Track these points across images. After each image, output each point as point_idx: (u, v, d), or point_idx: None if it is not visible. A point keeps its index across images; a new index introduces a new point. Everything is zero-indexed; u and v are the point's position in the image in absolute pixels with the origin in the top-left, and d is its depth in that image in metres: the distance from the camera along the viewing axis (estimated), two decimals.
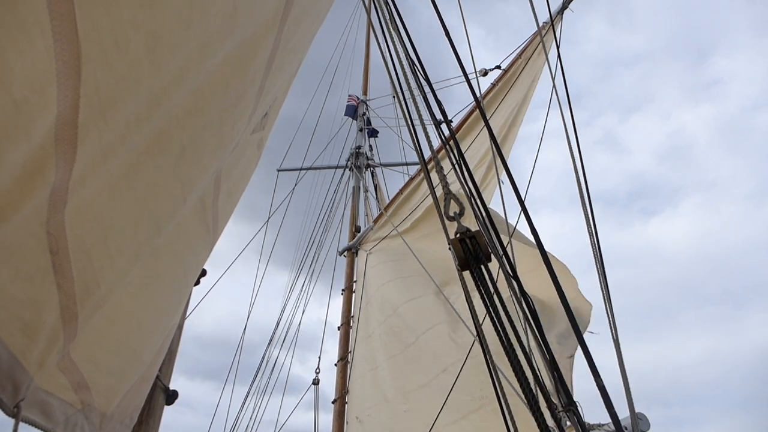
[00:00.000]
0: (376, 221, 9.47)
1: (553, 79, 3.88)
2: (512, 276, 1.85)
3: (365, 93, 13.50)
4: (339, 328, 8.75)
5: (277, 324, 9.64)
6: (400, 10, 2.96)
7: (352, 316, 8.54)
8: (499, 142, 7.48)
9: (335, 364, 8.30)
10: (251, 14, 0.98)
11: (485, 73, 7.84)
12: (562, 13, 6.29)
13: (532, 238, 2.09)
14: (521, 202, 2.03)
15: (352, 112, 13.15)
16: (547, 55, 4.13)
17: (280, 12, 1.09)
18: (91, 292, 1.00)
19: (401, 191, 9.05)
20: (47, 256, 0.85)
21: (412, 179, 9.07)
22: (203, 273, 2.13)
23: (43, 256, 0.84)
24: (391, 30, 3.00)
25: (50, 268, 0.87)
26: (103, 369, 1.26)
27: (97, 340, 1.16)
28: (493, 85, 8.13)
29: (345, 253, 9.59)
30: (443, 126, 2.70)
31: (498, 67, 8.16)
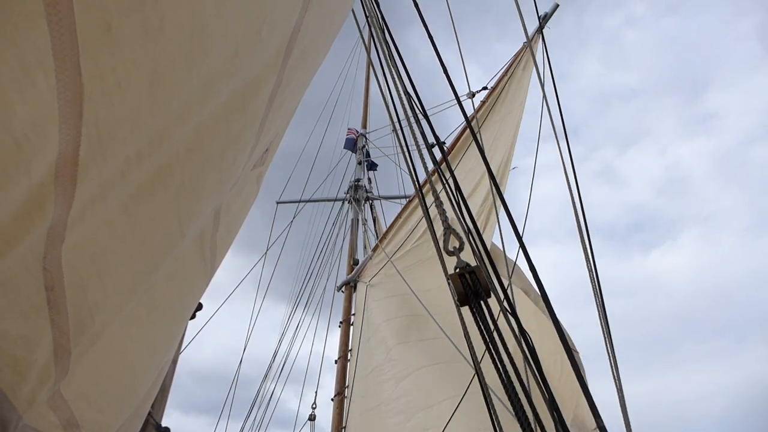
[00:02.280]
0: (374, 250, 9.43)
1: (543, 86, 3.93)
2: (511, 313, 1.84)
3: (364, 126, 13.66)
4: (336, 361, 8.61)
5: (273, 357, 9.52)
6: (398, 46, 3.03)
7: (350, 350, 8.42)
8: (495, 162, 7.59)
9: (332, 399, 8.15)
10: (253, 55, 1.00)
11: (473, 95, 8.01)
12: (542, 31, 6.63)
13: (531, 276, 2.08)
14: (522, 243, 2.03)
15: (352, 145, 13.28)
16: (537, 68, 4.21)
17: (282, 52, 1.11)
18: (86, 328, 0.99)
19: (399, 216, 9.05)
20: (42, 293, 0.84)
21: (408, 203, 9.09)
22: (199, 307, 2.10)
23: (38, 293, 0.84)
24: (390, 66, 3.07)
25: (45, 305, 0.86)
26: (94, 406, 1.23)
27: (89, 376, 1.14)
28: (483, 102, 8.29)
29: (343, 288, 9.51)
30: (437, 150, 2.74)
31: (485, 88, 8.40)
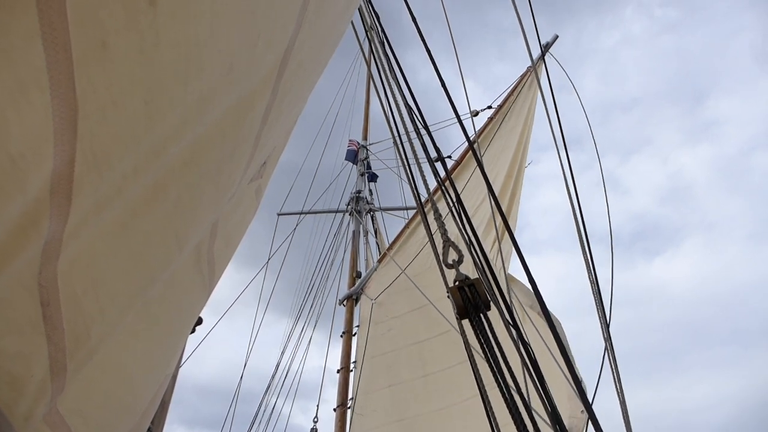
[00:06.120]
0: (379, 261, 9.43)
1: (546, 107, 3.98)
2: (512, 324, 1.83)
3: (365, 138, 13.72)
4: (338, 371, 8.56)
5: (275, 371, 9.49)
6: (399, 60, 3.05)
7: (354, 361, 8.38)
8: (502, 172, 7.63)
9: (334, 410, 8.09)
10: (248, 70, 1.00)
11: (476, 113, 8.15)
12: (544, 57, 7.00)
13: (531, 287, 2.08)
14: (521, 257, 2.02)
15: (353, 156, 13.32)
16: (541, 90, 4.30)
17: (277, 66, 1.12)
18: (82, 343, 0.99)
19: (406, 227, 9.07)
20: (38, 308, 0.84)
21: (414, 216, 9.12)
22: (199, 321, 2.10)
23: (34, 309, 0.84)
24: (390, 79, 3.08)
25: (41, 320, 0.86)
26: (91, 422, 1.23)
27: (86, 392, 1.13)
28: (490, 119, 8.43)
29: (345, 302, 9.47)
30: (439, 165, 2.74)
31: (489, 107, 8.63)
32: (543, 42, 8.48)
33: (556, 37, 8.90)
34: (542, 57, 7.00)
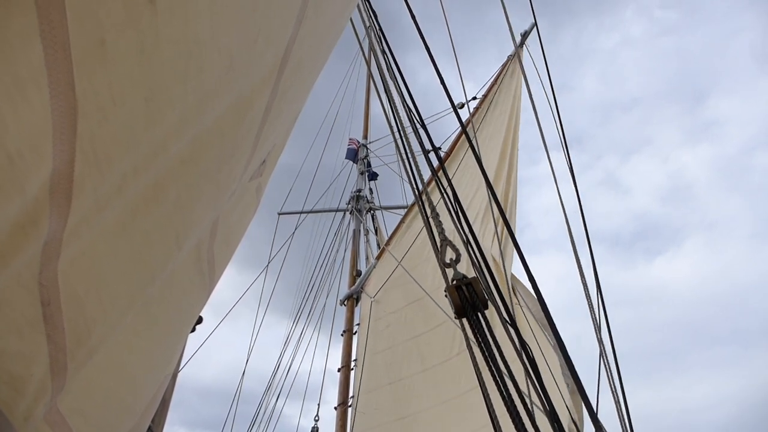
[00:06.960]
0: (378, 257, 9.45)
1: (548, 97, 4.00)
2: (510, 323, 1.82)
3: (365, 137, 13.71)
4: (339, 370, 8.57)
5: (275, 371, 9.50)
6: (397, 62, 3.06)
7: (354, 360, 8.38)
8: (494, 157, 7.71)
9: (335, 408, 8.10)
10: (248, 68, 1.00)
11: (461, 105, 8.30)
12: (523, 44, 7.35)
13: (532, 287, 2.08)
14: (519, 251, 2.02)
15: (353, 155, 13.31)
16: (540, 75, 4.34)
17: (278, 64, 1.12)
18: (82, 342, 0.99)
19: (402, 221, 9.11)
20: (38, 308, 0.84)
21: (409, 210, 9.18)
22: (200, 320, 2.09)
23: (34, 308, 0.84)
24: (389, 76, 3.09)
25: (41, 320, 0.86)
26: (91, 421, 1.23)
27: (86, 391, 1.13)
28: (476, 108, 8.66)
29: (345, 302, 9.48)
30: (432, 156, 2.77)
31: (474, 98, 8.94)
32: (521, 31, 8.86)
33: (534, 25, 9.10)
34: (520, 46, 7.24)
